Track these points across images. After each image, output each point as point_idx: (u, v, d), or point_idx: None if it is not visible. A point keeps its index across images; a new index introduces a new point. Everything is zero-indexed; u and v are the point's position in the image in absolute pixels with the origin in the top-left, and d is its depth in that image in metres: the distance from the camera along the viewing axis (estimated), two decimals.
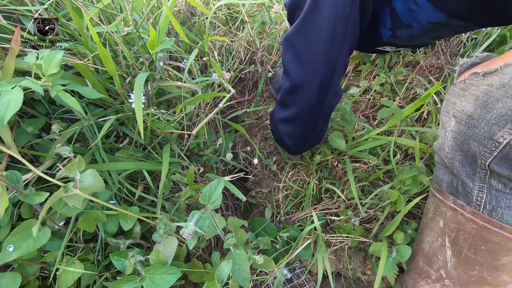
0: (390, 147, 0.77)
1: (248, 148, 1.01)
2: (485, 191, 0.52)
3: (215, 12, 1.10)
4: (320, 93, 0.65)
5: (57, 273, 0.56)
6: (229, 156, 0.80)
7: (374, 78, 1.02)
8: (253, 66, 1.07)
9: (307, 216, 0.88)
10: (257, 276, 0.77)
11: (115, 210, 0.61)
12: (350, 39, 0.60)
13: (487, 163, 0.49)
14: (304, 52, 0.62)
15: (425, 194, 0.76)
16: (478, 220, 0.53)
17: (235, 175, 0.76)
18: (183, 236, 0.48)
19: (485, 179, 0.52)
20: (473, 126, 0.50)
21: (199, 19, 1.05)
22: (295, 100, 0.69)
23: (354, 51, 0.74)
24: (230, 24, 1.12)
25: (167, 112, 0.71)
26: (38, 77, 0.50)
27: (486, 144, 0.48)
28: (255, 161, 0.90)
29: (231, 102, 1.09)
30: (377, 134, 0.83)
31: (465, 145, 0.52)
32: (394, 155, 0.84)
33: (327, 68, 0.62)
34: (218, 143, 0.83)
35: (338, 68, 0.63)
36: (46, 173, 0.53)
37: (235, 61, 1.05)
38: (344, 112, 0.78)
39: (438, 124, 0.73)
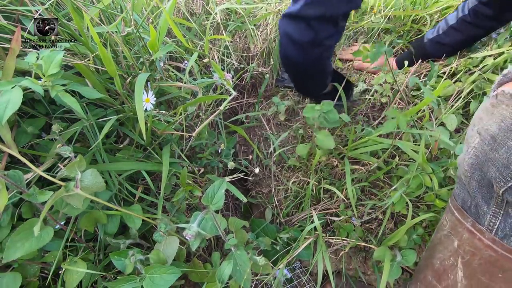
0: (390, 148, 0.77)
1: (250, 157, 1.01)
2: (499, 218, 0.48)
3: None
4: None
5: (60, 272, 0.56)
6: (231, 165, 0.80)
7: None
8: (252, 66, 1.06)
9: (307, 217, 0.88)
10: (257, 276, 0.77)
11: (117, 210, 0.61)
12: None
13: (501, 191, 0.45)
14: None
15: (426, 194, 0.77)
16: (499, 248, 0.49)
17: (235, 175, 0.76)
18: (186, 237, 0.48)
19: (502, 205, 0.48)
20: (494, 149, 0.44)
21: (198, 18, 1.05)
22: None
23: None
24: (230, 24, 1.11)
25: (168, 113, 0.71)
26: (38, 77, 0.50)
27: (502, 171, 0.43)
28: (257, 170, 0.90)
29: (231, 103, 1.09)
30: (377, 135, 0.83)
31: (485, 167, 0.47)
32: (394, 157, 0.84)
33: None
34: (220, 148, 0.84)
35: None
36: (46, 174, 0.53)
37: (235, 61, 1.05)
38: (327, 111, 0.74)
39: (439, 126, 0.72)
